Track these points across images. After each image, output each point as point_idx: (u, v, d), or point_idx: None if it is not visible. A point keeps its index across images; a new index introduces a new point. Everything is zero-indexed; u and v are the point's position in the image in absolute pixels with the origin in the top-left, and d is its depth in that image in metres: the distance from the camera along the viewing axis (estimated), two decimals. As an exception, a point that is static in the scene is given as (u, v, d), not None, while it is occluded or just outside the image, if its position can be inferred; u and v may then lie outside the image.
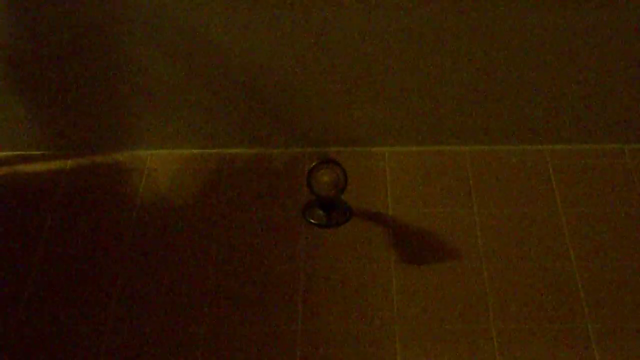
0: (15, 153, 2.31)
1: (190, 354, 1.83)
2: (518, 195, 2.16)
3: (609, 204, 2.13)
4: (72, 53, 2.12)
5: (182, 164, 2.27)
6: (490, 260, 2.01)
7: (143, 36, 2.09)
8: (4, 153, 2.31)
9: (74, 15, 2.05)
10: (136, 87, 2.19)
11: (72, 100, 2.22)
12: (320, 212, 2.11)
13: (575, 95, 2.19)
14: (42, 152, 2.32)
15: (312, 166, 2.04)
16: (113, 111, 2.24)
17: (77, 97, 2.21)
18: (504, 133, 2.27)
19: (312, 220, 2.11)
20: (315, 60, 2.13)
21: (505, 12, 2.03)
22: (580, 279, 1.96)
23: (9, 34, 2.08)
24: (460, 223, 2.10)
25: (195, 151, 2.30)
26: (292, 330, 1.87)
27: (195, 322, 1.89)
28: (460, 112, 2.23)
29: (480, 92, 2.19)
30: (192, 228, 2.10)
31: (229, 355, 1.83)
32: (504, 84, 2.17)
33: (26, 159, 2.29)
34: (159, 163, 2.27)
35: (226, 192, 2.19)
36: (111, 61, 2.14)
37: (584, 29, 2.06)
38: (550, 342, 1.84)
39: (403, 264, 2.01)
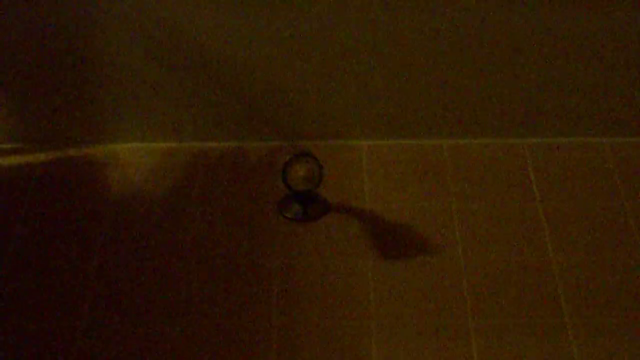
0: (-13, 146, 2.31)
1: (164, 349, 1.82)
2: (496, 188, 2.16)
3: (588, 197, 2.13)
4: (46, 46, 2.12)
5: (156, 157, 2.26)
6: (467, 254, 2.00)
7: (118, 30, 2.09)
8: (-24, 146, 2.31)
9: (49, 10, 2.05)
10: (110, 80, 2.19)
11: (45, 93, 2.21)
12: (297, 206, 2.09)
13: (554, 88, 2.19)
14: (15, 145, 2.31)
15: (287, 160, 2.03)
16: (87, 104, 2.24)
17: (51, 90, 2.21)
18: (483, 126, 2.27)
19: (288, 215, 2.09)
20: (291, 52, 2.13)
21: (483, 8, 2.04)
22: (558, 273, 1.96)
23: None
24: (438, 216, 2.09)
25: (169, 145, 2.30)
26: (268, 325, 1.87)
27: (169, 316, 1.88)
28: (438, 105, 2.23)
29: (459, 85, 2.19)
30: (167, 222, 2.09)
31: (204, 350, 1.82)
32: (483, 77, 2.17)
33: (-2, 153, 2.29)
34: (133, 156, 2.27)
35: (201, 186, 2.18)
36: (86, 54, 2.14)
37: (563, 25, 2.07)
38: (527, 336, 1.84)
39: (380, 258, 2.00)
